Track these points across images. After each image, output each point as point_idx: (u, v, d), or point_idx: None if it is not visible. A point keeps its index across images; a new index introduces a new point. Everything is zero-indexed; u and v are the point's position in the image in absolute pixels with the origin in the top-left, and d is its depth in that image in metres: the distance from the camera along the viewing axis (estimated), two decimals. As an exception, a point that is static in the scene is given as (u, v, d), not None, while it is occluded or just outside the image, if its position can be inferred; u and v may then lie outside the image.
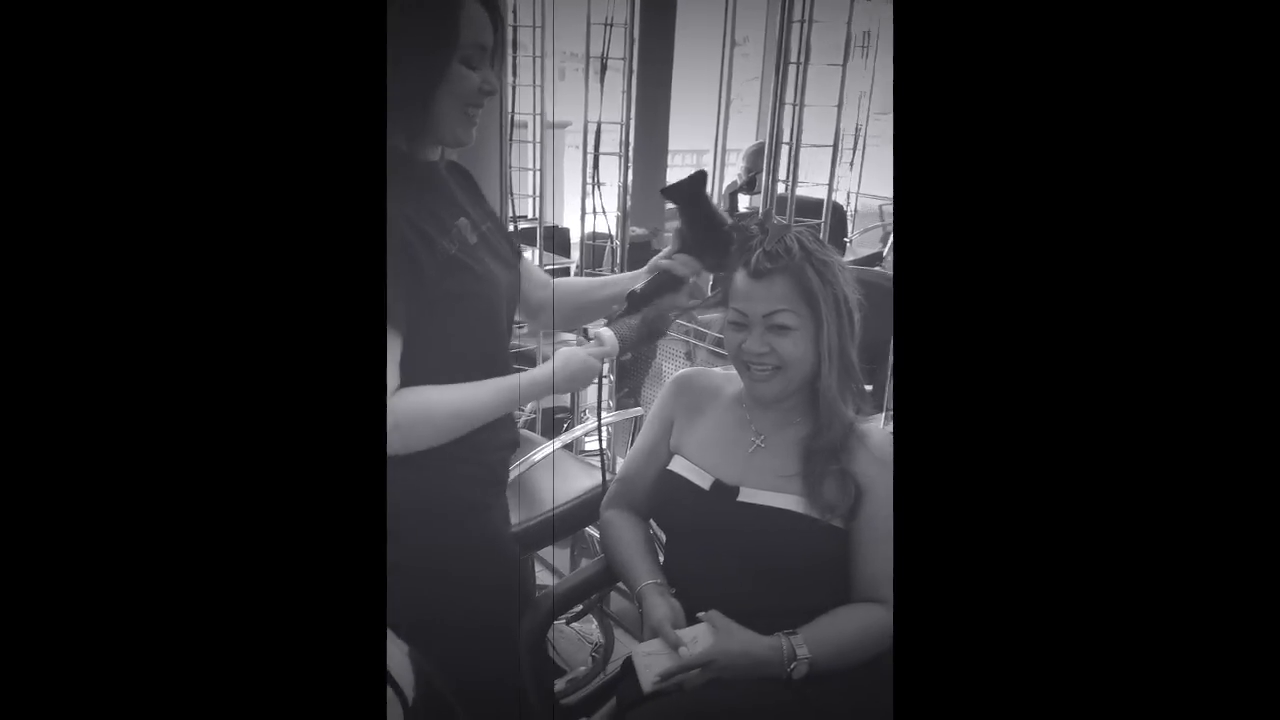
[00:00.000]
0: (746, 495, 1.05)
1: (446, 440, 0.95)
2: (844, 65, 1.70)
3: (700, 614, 1.00)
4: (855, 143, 3.77)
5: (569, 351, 1.00)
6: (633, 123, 2.02)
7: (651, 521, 1.18)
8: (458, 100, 0.94)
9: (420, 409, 0.92)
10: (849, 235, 3.41)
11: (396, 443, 0.89)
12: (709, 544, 1.06)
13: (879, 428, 1.09)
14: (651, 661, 0.97)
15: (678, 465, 1.11)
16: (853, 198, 3.74)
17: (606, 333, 1.03)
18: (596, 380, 1.04)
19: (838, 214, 3.45)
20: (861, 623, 1.01)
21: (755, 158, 1.02)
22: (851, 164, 3.78)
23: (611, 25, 1.93)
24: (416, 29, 0.89)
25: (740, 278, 1.04)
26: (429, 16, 0.90)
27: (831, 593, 1.03)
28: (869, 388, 1.59)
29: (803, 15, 1.67)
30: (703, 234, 1.08)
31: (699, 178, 1.09)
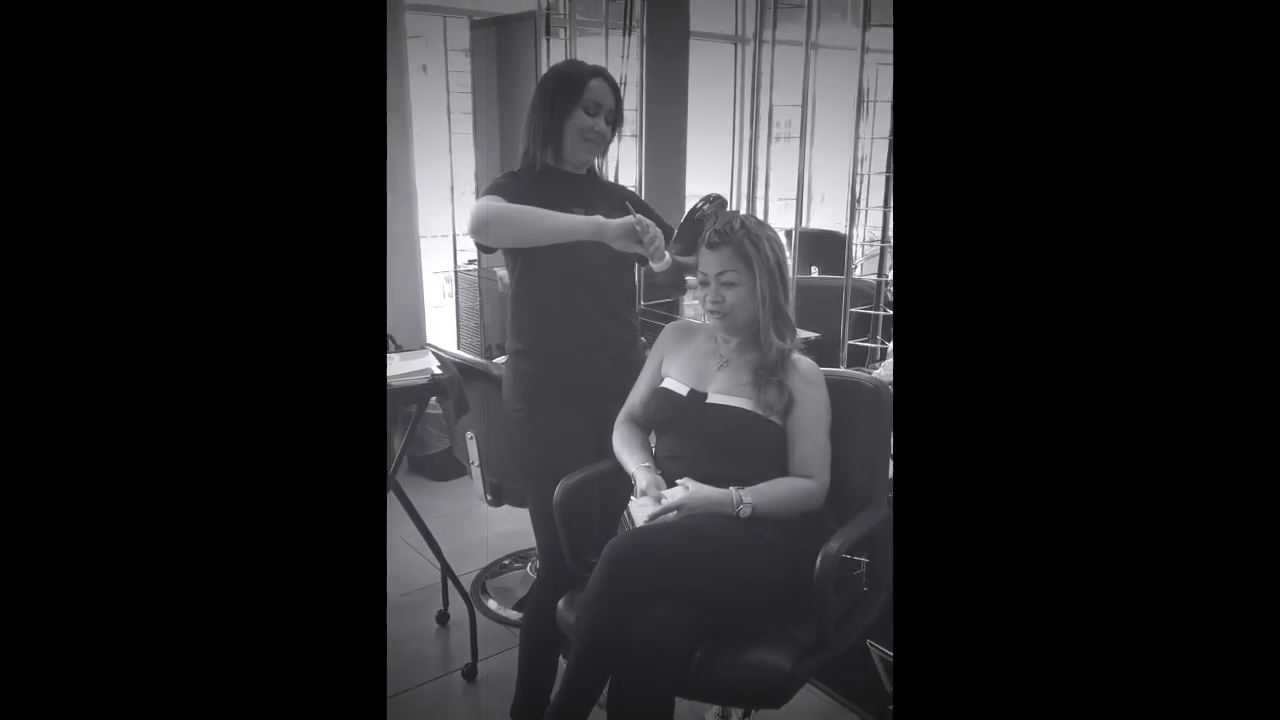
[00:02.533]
0: (713, 398, 1.50)
1: (514, 236, 1.52)
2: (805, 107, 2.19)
3: (678, 480, 1.44)
4: (862, 188, 4.26)
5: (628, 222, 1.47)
6: (644, 170, 2.54)
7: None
8: (577, 133, 1.59)
9: (491, 210, 1.50)
10: (854, 261, 3.86)
11: (474, 229, 1.50)
12: (685, 433, 1.50)
13: (807, 359, 1.53)
14: (641, 509, 1.41)
15: (665, 382, 1.57)
16: (859, 230, 4.19)
17: (656, 230, 1.49)
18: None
19: (840, 241, 3.92)
20: (790, 488, 1.44)
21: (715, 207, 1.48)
22: (858, 203, 4.26)
23: (625, 84, 2.46)
24: (558, 88, 1.57)
25: (703, 250, 1.50)
26: (568, 82, 1.58)
27: (768, 465, 1.46)
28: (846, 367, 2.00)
29: (769, 74, 2.18)
30: (688, 243, 1.58)
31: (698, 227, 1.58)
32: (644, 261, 1.56)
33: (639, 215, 1.49)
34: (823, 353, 2.31)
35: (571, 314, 1.62)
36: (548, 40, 2.83)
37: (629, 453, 1.54)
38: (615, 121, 1.63)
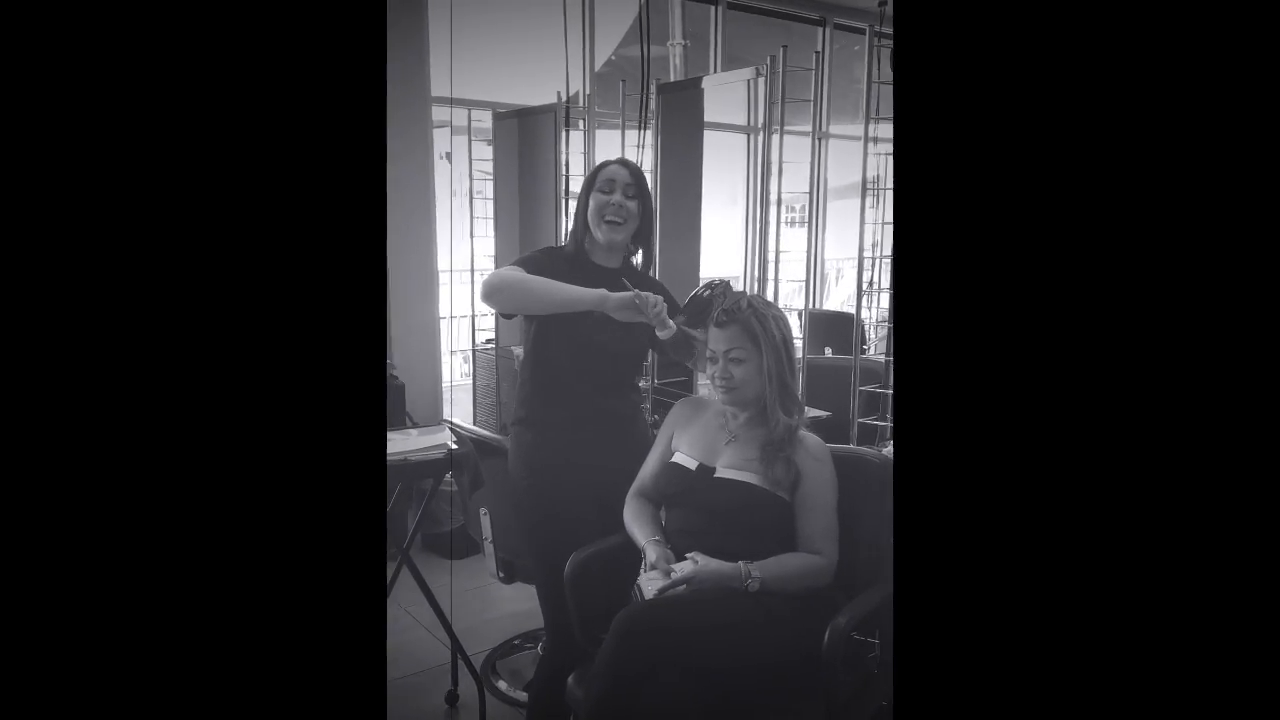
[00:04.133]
0: (721, 473, 1.52)
1: (519, 304, 1.64)
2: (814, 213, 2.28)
3: (688, 554, 1.45)
4: (873, 270, 4.34)
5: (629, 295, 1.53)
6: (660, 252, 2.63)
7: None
8: (597, 212, 1.67)
9: (504, 278, 1.62)
10: (867, 342, 3.91)
11: (485, 295, 1.61)
12: (694, 507, 1.52)
13: (814, 436, 1.56)
14: (651, 583, 1.42)
15: (675, 457, 1.59)
16: (871, 311, 4.26)
17: (655, 298, 1.54)
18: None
19: (858, 325, 3.99)
20: (799, 564, 1.45)
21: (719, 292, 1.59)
22: (872, 285, 4.33)
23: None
24: (585, 182, 1.69)
25: (711, 329, 1.55)
26: (590, 174, 1.69)
27: (776, 540, 1.47)
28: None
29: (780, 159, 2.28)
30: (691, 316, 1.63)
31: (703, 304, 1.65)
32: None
33: (636, 290, 1.55)
34: (834, 431, 2.33)
35: (568, 385, 1.67)
36: (567, 131, 2.96)
37: (639, 526, 1.56)
38: (638, 197, 1.70)
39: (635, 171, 1.71)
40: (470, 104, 3.52)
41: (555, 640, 1.64)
